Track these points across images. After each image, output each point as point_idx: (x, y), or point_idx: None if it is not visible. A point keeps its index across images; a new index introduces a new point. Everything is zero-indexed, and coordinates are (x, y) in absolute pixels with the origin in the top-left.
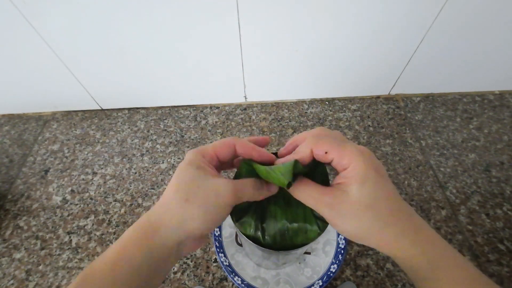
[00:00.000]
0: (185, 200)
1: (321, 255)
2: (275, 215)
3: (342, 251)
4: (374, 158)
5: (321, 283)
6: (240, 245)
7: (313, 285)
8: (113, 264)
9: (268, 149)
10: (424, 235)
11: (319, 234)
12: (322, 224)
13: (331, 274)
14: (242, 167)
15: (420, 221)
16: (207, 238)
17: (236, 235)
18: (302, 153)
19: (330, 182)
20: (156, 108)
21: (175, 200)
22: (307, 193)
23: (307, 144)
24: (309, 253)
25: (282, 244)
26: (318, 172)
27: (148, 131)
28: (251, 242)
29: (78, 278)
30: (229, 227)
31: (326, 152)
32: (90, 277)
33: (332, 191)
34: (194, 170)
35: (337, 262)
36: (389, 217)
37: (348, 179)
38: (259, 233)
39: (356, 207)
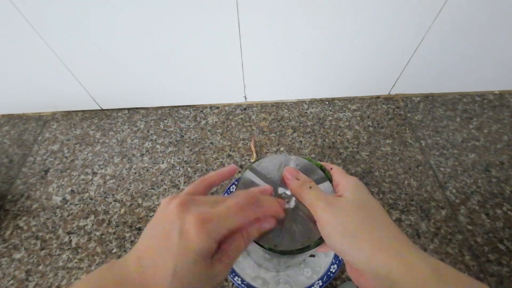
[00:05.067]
0: (172, 273)
1: (321, 255)
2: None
3: None
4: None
5: (321, 283)
6: None
7: (313, 285)
8: None
9: (268, 150)
10: (420, 252)
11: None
12: None
13: (331, 274)
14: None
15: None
16: None
17: None
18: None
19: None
20: (156, 108)
21: (160, 262)
22: (311, 194)
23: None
24: (313, 256)
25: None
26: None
27: (148, 131)
28: (258, 246)
29: None
30: None
31: (331, 168)
32: None
33: (330, 194)
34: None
35: (337, 262)
36: (381, 220)
37: (343, 189)
38: (272, 247)
39: (350, 204)
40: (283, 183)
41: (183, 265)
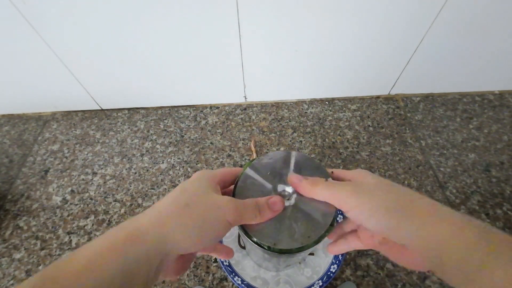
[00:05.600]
0: (185, 205)
1: (321, 255)
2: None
3: None
4: None
5: (321, 283)
6: (243, 247)
7: (313, 285)
8: (81, 272)
9: (268, 150)
10: (456, 214)
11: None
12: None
13: (331, 274)
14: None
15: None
16: (190, 262)
17: (239, 237)
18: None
19: None
20: (156, 108)
21: (174, 204)
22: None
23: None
24: (312, 254)
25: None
26: None
27: (148, 131)
28: (257, 246)
29: (37, 278)
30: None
31: (332, 172)
32: (51, 283)
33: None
34: (199, 182)
35: (337, 262)
36: (411, 192)
37: (356, 178)
38: (271, 246)
39: (374, 185)
40: (283, 180)
41: (185, 187)
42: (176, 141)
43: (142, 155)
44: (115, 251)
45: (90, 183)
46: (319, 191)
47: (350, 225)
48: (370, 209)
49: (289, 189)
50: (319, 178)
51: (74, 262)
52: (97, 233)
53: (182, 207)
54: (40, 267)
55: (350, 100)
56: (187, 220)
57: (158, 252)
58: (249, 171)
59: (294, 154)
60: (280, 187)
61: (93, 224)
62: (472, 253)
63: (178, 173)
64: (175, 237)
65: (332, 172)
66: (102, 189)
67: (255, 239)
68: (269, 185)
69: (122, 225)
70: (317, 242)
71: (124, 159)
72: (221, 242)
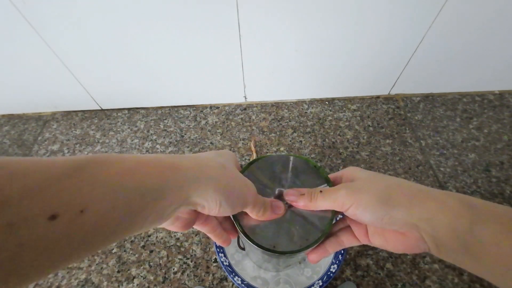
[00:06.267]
0: (221, 166)
1: None
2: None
3: (342, 251)
4: None
5: (321, 283)
6: (243, 248)
7: (313, 285)
8: (128, 170)
9: (268, 150)
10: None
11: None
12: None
13: (331, 274)
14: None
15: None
16: (189, 227)
17: (238, 238)
18: None
19: None
20: (156, 108)
21: (213, 160)
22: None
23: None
24: None
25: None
26: None
27: (148, 131)
28: (256, 247)
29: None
30: None
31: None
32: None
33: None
34: (229, 156)
35: (337, 262)
36: (399, 180)
37: (347, 176)
38: (270, 247)
39: (365, 179)
40: (282, 184)
41: (224, 155)
42: (176, 141)
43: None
44: (159, 169)
45: None
46: (318, 203)
47: (340, 224)
48: (363, 204)
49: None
50: (314, 190)
51: (127, 158)
52: None
53: (219, 167)
54: None
55: (350, 100)
56: (221, 178)
57: (183, 194)
58: (247, 174)
59: (292, 159)
60: (278, 191)
61: None
62: (459, 219)
63: None
64: (210, 187)
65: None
66: None
67: (254, 240)
68: (268, 189)
69: (168, 155)
70: (316, 242)
71: None
72: None
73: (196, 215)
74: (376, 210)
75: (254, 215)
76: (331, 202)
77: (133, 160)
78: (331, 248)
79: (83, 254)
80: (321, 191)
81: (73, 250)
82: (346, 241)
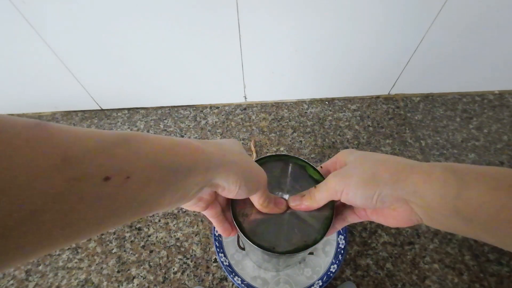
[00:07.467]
0: (240, 152)
1: (321, 255)
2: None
3: (342, 251)
4: None
5: (321, 283)
6: (243, 248)
7: (313, 285)
8: (160, 149)
9: (268, 150)
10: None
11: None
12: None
13: (331, 274)
14: None
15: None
16: (209, 207)
17: (238, 238)
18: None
19: None
20: (156, 108)
21: (232, 145)
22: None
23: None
24: (312, 254)
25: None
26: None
27: (148, 131)
28: (256, 247)
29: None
30: None
31: (321, 167)
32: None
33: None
34: (241, 145)
35: (337, 262)
36: (384, 156)
37: (339, 162)
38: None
39: (353, 162)
40: (281, 188)
41: (244, 151)
42: None
43: None
44: (190, 151)
45: None
46: (316, 198)
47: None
48: (352, 187)
49: (285, 196)
50: (311, 189)
51: (163, 138)
52: None
53: (238, 153)
54: (40, 267)
55: (350, 100)
56: (241, 163)
57: (211, 177)
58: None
59: (290, 165)
60: (278, 194)
61: None
62: (446, 187)
63: None
64: (228, 174)
65: (322, 167)
66: None
67: (254, 240)
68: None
69: (195, 140)
70: (315, 242)
71: None
72: (220, 240)
73: (215, 198)
74: (364, 191)
75: (260, 204)
76: (325, 192)
77: (168, 141)
78: (338, 224)
79: (117, 221)
80: (315, 187)
81: (112, 212)
82: (350, 217)
